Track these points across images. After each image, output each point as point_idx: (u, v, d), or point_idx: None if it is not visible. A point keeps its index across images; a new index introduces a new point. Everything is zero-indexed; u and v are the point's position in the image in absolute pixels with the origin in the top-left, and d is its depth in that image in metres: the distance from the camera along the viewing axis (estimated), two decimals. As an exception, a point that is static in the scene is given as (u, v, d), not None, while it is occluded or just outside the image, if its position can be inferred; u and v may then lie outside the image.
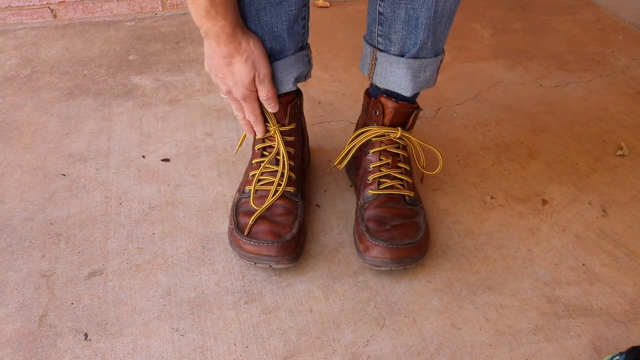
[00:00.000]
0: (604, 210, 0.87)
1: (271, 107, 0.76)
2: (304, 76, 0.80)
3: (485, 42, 1.34)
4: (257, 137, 0.81)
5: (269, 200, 0.76)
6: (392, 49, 0.73)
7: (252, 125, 0.79)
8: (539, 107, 1.11)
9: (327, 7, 1.50)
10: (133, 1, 1.41)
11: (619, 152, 0.99)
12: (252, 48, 0.70)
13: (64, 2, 1.36)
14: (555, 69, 1.24)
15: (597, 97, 1.14)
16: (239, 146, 0.86)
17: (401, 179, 0.80)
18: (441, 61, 0.76)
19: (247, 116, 0.77)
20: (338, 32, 1.37)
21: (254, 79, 0.72)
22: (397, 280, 0.75)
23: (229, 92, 0.74)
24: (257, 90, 0.74)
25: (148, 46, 1.30)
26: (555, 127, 1.05)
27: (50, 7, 1.36)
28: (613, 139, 1.02)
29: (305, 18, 0.75)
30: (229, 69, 0.71)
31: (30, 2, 1.34)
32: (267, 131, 0.79)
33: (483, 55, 1.29)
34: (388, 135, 0.79)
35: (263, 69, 0.72)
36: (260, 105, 0.77)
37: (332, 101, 1.11)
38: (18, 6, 1.34)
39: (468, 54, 1.29)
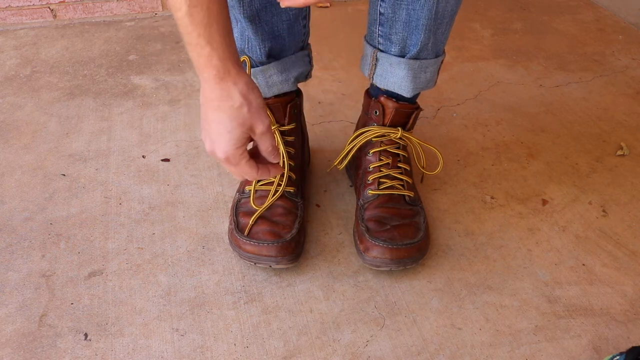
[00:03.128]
0: (604, 210, 0.87)
1: (273, 158, 0.63)
2: (305, 76, 0.80)
3: (485, 42, 1.34)
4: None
5: (269, 201, 0.76)
6: (393, 49, 0.73)
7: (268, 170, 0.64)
8: (539, 107, 1.11)
9: (327, 7, 1.49)
10: (133, 1, 1.41)
11: (619, 152, 0.99)
12: (246, 95, 0.57)
13: (64, 2, 1.36)
14: (555, 69, 1.24)
15: (597, 97, 1.14)
16: None
17: (401, 179, 0.80)
18: (442, 62, 0.76)
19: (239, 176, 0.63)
20: (338, 32, 1.37)
21: (246, 136, 0.58)
22: (397, 280, 0.75)
23: (212, 152, 0.59)
24: (244, 148, 0.59)
25: (148, 46, 1.30)
26: (555, 127, 1.05)
27: (50, 7, 1.36)
28: (613, 139, 1.02)
29: (306, 18, 0.75)
30: (214, 115, 0.57)
31: (30, 2, 1.34)
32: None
33: (483, 55, 1.29)
34: (388, 135, 0.79)
35: (263, 121, 0.58)
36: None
37: (332, 101, 1.11)
38: (18, 6, 1.34)
39: (468, 54, 1.29)
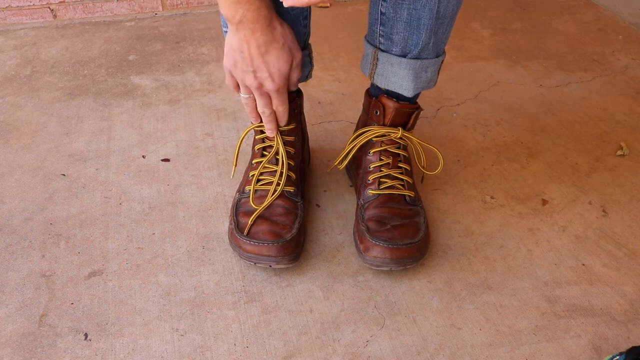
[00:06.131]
0: (604, 210, 0.87)
1: (293, 86, 0.76)
2: (305, 76, 0.80)
3: (485, 42, 1.34)
4: (281, 127, 0.78)
5: (268, 200, 0.76)
6: (394, 49, 0.73)
7: (276, 119, 0.76)
8: (539, 107, 1.11)
9: (327, 7, 1.49)
10: (133, 1, 1.41)
11: (619, 152, 0.99)
12: (287, 32, 0.68)
13: (64, 2, 1.36)
14: (555, 69, 1.24)
15: (597, 97, 1.14)
16: (235, 166, 0.85)
17: (401, 179, 0.80)
18: (442, 62, 0.76)
19: (275, 107, 0.74)
20: (338, 32, 1.37)
21: (290, 66, 0.70)
22: (397, 280, 0.75)
23: (260, 86, 0.70)
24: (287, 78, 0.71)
25: (148, 46, 1.30)
26: (555, 127, 1.06)
27: (50, 7, 1.36)
28: (613, 139, 1.02)
29: (307, 18, 0.75)
30: (265, 58, 0.67)
31: (30, 2, 1.34)
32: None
33: (483, 55, 1.29)
34: (389, 135, 0.79)
35: (299, 53, 0.71)
36: None
37: (332, 101, 1.11)
38: (18, 6, 1.34)
39: (468, 54, 1.29)
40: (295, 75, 0.73)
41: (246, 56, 0.67)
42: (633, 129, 1.05)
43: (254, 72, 0.68)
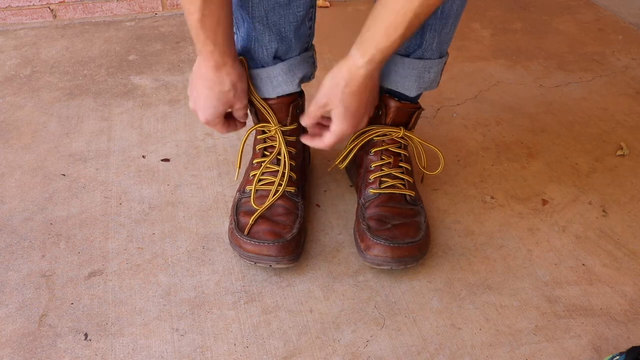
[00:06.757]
0: (604, 210, 0.87)
1: (240, 125, 0.78)
2: (309, 77, 0.80)
3: (485, 42, 1.34)
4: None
5: (270, 200, 0.76)
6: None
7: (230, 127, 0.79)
8: (539, 107, 1.11)
9: (327, 7, 1.49)
10: (133, 1, 1.41)
11: (619, 152, 0.99)
12: (235, 84, 0.70)
13: (64, 2, 1.36)
14: (555, 69, 1.24)
15: (597, 97, 1.14)
16: (239, 168, 0.84)
17: (402, 179, 0.80)
18: (445, 63, 0.76)
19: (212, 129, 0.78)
20: (338, 32, 1.37)
21: (226, 110, 0.73)
22: (397, 280, 0.75)
23: (194, 111, 0.74)
24: (222, 117, 0.74)
25: (148, 46, 1.30)
26: (555, 127, 1.06)
27: (50, 7, 1.36)
28: (613, 139, 1.02)
29: (312, 19, 0.75)
30: (205, 92, 0.70)
31: (30, 2, 1.34)
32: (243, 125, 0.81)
33: (483, 55, 1.29)
34: (390, 134, 0.79)
35: (242, 102, 0.73)
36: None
37: (332, 101, 1.11)
38: (18, 6, 1.34)
39: (468, 54, 1.29)
40: (239, 114, 0.76)
41: (194, 78, 0.70)
42: (633, 129, 1.05)
43: (196, 96, 0.71)
